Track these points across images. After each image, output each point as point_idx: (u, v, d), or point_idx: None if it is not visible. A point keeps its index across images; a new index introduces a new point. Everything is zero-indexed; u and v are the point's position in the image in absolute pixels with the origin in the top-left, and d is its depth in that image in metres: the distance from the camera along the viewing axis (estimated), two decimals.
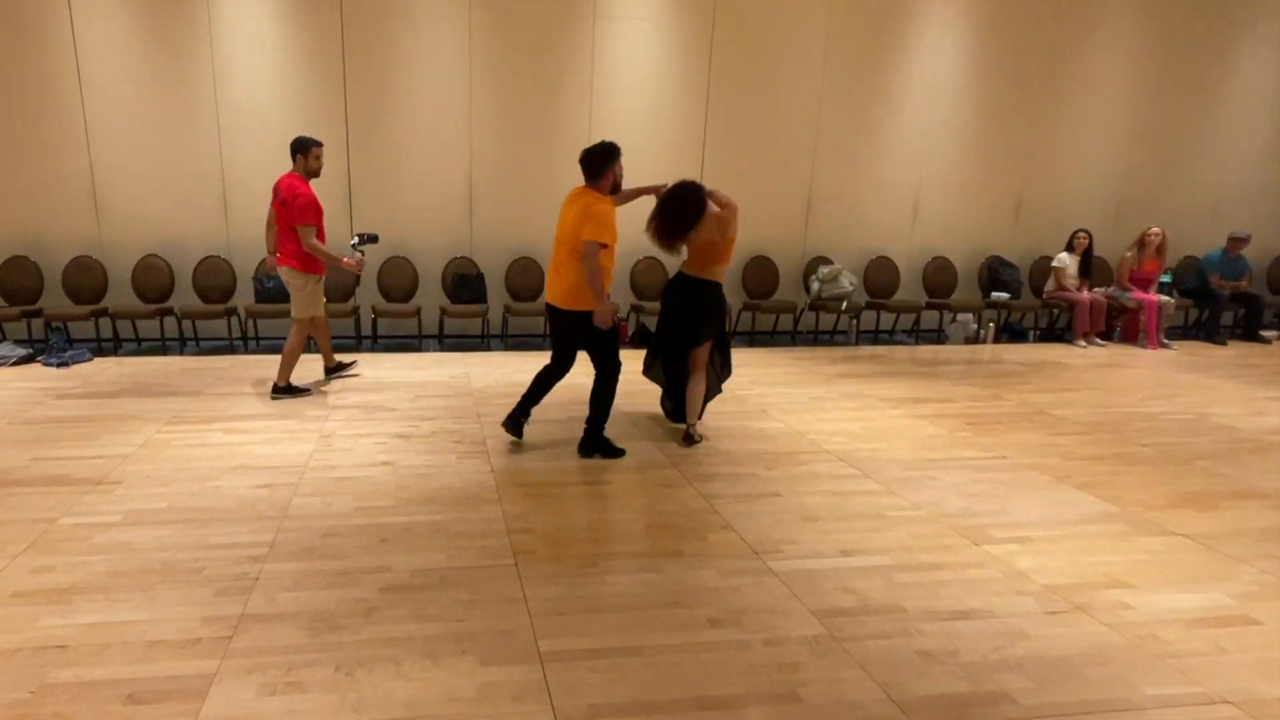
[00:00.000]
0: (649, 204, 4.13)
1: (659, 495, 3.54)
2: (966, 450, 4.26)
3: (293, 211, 4.80)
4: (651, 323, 6.52)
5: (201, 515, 3.20)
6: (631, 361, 4.48)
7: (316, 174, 4.97)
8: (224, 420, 4.48)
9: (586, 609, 2.56)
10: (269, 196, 6.58)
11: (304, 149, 4.90)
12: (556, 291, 3.90)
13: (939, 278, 7.71)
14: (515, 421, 4.13)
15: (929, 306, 7.55)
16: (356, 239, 5.30)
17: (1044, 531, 3.23)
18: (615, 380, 3.98)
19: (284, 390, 4.98)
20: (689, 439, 4.22)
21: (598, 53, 6.78)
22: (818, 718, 2.05)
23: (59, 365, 5.69)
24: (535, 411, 4.58)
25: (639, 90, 6.92)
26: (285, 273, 4.99)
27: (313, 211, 4.85)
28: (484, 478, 3.70)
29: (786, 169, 7.36)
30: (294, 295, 5.05)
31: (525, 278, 6.95)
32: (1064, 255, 7.60)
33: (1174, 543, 3.17)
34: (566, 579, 2.75)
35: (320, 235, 4.93)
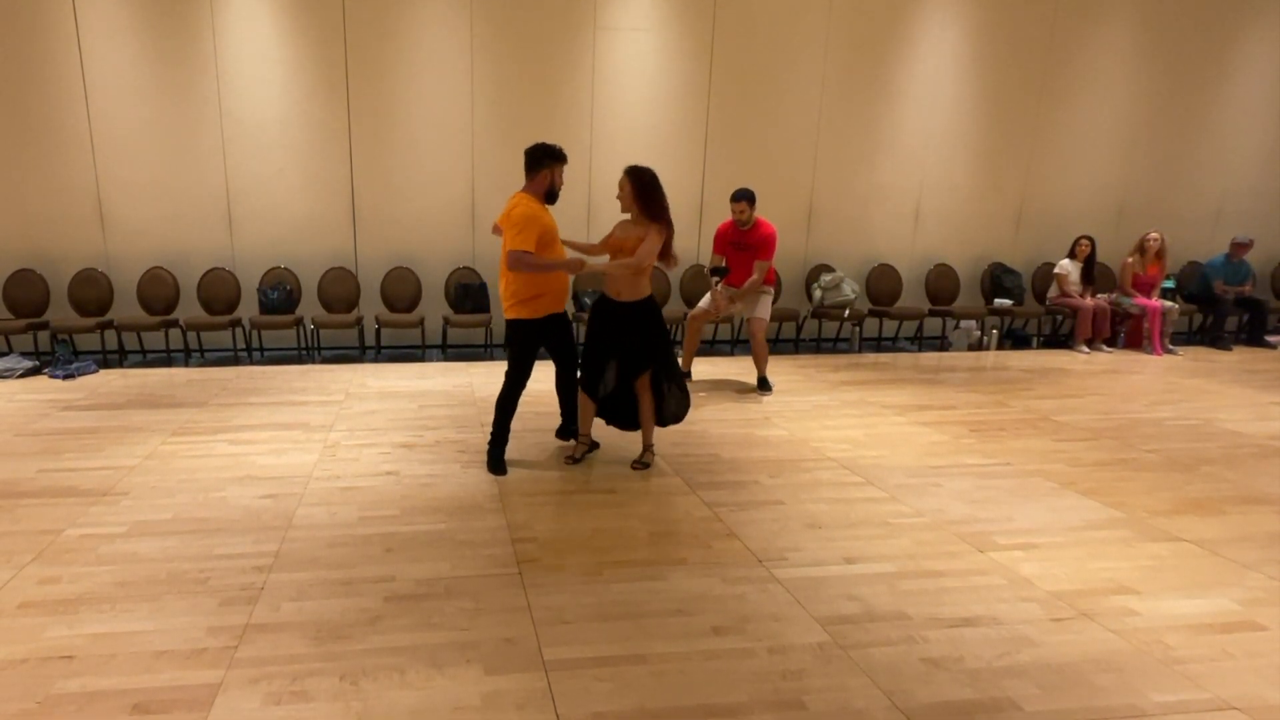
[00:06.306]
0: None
1: (663, 503, 3.54)
2: (970, 457, 4.25)
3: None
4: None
5: (207, 526, 3.21)
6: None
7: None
8: (229, 431, 4.50)
9: (590, 617, 2.55)
10: (272, 209, 6.68)
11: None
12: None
13: (941, 284, 7.71)
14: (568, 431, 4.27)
15: (932, 313, 7.55)
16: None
17: (1049, 538, 3.22)
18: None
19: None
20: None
21: (598, 63, 6.82)
22: None
23: (65, 377, 5.71)
24: (535, 422, 4.61)
25: (640, 100, 6.96)
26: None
27: (715, 242, 5.73)
28: (488, 487, 3.70)
29: (787, 177, 7.38)
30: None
31: None
32: (1066, 262, 7.60)
33: (1180, 548, 3.16)
34: (570, 587, 2.75)
35: (731, 260, 5.60)
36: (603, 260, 3.92)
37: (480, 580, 2.79)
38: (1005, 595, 2.74)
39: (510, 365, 3.92)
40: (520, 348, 3.90)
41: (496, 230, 3.84)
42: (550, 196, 3.86)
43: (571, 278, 4.32)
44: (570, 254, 3.98)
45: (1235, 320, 8.16)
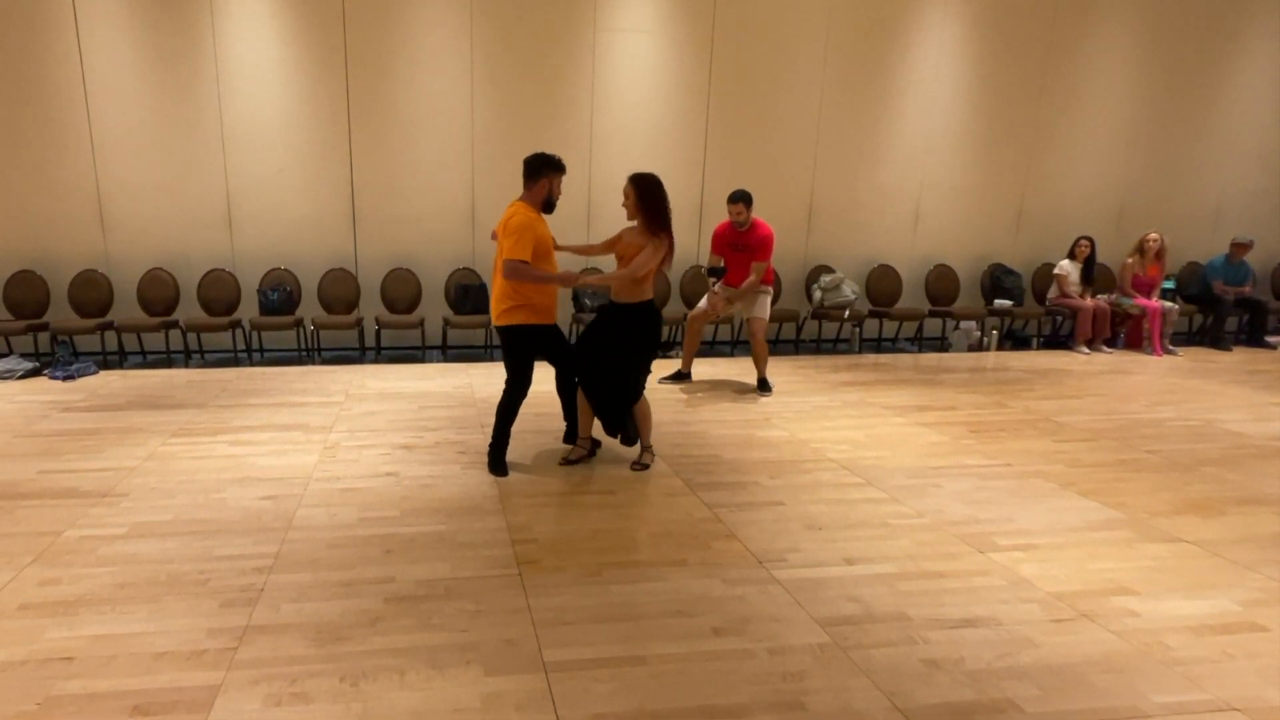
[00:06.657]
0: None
1: (662, 504, 3.54)
2: (970, 458, 4.25)
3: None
4: None
5: (207, 527, 3.20)
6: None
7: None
8: (229, 432, 4.49)
9: (590, 618, 2.55)
10: (273, 210, 6.68)
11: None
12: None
13: (941, 285, 7.71)
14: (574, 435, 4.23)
15: (932, 314, 7.55)
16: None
17: (1049, 539, 3.22)
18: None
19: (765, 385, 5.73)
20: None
21: (599, 64, 6.82)
22: None
23: (65, 378, 5.71)
24: (535, 423, 4.61)
25: (639, 101, 6.96)
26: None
27: (713, 243, 5.73)
28: (487, 488, 3.70)
29: (788, 178, 7.38)
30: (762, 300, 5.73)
31: None
32: (1065, 262, 7.60)
33: (1180, 549, 3.16)
34: (570, 589, 2.75)
35: (729, 260, 5.58)
36: (600, 264, 3.93)
37: (480, 581, 2.79)
38: (1005, 596, 2.74)
39: (509, 374, 3.90)
40: (516, 355, 3.88)
41: (494, 238, 3.84)
42: (548, 206, 3.86)
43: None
44: (571, 259, 3.98)
45: (1235, 321, 8.16)
